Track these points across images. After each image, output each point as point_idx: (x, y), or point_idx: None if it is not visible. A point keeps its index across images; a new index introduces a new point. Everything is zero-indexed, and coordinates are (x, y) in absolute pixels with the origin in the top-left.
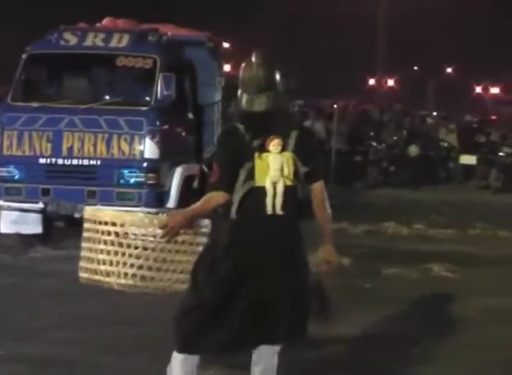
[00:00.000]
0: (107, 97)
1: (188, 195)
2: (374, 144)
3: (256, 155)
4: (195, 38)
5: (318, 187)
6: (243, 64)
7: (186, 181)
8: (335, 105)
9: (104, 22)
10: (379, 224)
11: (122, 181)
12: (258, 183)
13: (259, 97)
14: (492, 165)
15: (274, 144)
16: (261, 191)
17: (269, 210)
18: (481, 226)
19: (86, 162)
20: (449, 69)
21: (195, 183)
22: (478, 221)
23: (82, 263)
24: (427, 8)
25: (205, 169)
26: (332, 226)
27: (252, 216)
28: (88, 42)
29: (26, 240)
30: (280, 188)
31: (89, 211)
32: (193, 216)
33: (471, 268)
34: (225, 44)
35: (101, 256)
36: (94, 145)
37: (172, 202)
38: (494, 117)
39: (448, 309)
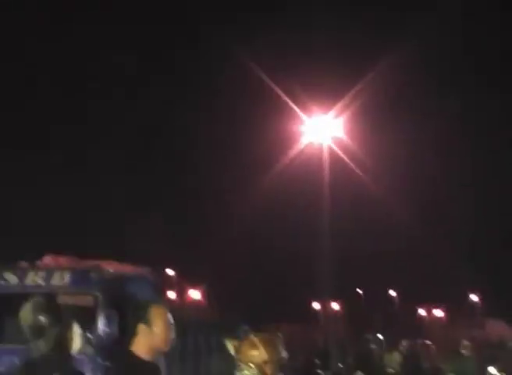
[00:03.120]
0: None
1: None
2: (319, 371)
3: None
4: (137, 273)
5: None
6: None
7: None
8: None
9: (44, 259)
10: None
11: None
12: None
13: None
14: None
15: None
16: None
17: None
18: None
19: None
20: (393, 293)
21: None
22: None
23: None
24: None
25: None
26: None
27: None
28: (29, 281)
29: None
30: None
31: None
32: None
33: None
34: (170, 272)
35: None
36: None
37: None
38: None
39: None
